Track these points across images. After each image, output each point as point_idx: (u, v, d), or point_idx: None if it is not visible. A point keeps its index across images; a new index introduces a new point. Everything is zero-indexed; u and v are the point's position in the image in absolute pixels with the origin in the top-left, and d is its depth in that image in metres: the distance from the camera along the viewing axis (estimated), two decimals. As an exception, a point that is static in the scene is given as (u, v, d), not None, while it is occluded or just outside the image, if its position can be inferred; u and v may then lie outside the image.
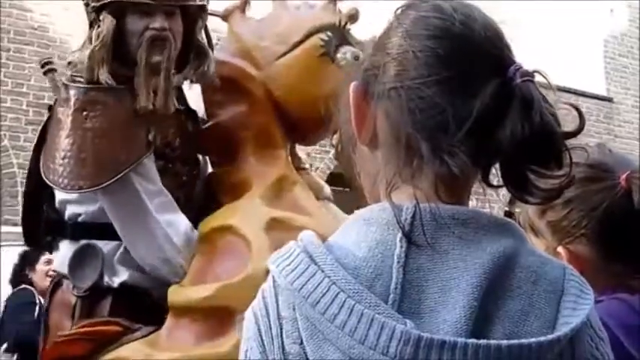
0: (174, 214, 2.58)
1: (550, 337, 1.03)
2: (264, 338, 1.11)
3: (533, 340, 1.01)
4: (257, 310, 1.14)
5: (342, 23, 2.39)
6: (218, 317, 2.25)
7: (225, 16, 2.54)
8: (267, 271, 2.04)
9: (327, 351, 1.04)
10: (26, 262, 6.38)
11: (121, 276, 2.59)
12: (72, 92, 2.56)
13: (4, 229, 8.82)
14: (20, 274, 6.41)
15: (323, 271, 1.06)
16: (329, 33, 2.38)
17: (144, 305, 2.53)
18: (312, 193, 2.40)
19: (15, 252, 8.11)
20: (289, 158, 2.45)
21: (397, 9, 1.18)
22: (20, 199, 9.08)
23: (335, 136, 1.30)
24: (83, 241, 2.63)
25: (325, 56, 2.37)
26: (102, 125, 2.50)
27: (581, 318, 1.06)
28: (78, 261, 2.62)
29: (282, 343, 1.09)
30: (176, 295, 2.35)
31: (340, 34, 2.38)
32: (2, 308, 6.29)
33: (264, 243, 2.23)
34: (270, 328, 1.11)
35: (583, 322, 1.06)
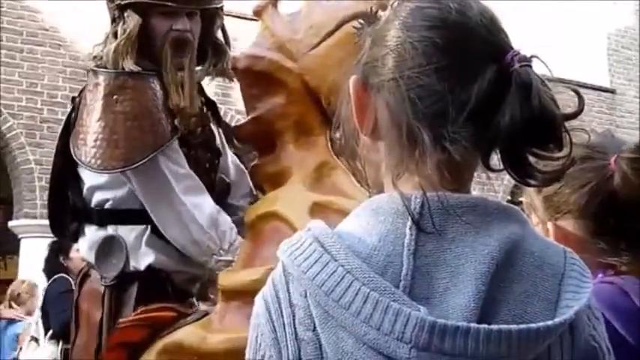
0: (200, 197, 2.63)
1: (556, 321, 1.02)
2: (275, 325, 1.11)
3: (541, 324, 1.01)
4: (268, 297, 1.15)
5: (375, 10, 2.39)
6: None
7: (257, 12, 2.49)
8: None
9: (341, 337, 1.03)
10: (60, 251, 6.35)
11: (148, 259, 2.63)
12: (101, 78, 2.60)
13: (24, 221, 8.82)
14: (55, 263, 6.42)
15: (336, 260, 1.05)
16: (361, 21, 2.39)
17: (166, 291, 2.58)
18: (351, 176, 2.24)
19: (34, 243, 8.20)
20: (328, 144, 2.37)
21: (394, 2, 1.20)
22: (38, 193, 9.18)
23: (334, 130, 1.27)
24: (109, 229, 2.67)
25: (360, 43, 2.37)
26: (133, 109, 2.55)
27: (583, 301, 1.06)
28: (103, 252, 2.66)
29: (295, 330, 1.09)
30: (226, 279, 2.34)
31: (372, 21, 2.39)
32: (42, 297, 6.33)
33: None
34: (282, 316, 1.10)
35: (584, 306, 1.06)
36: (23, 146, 9.39)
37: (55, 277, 6.26)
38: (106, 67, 2.62)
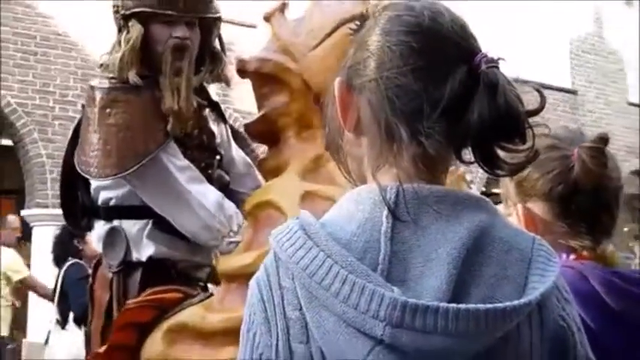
0: (203, 185, 2.62)
1: (522, 301, 1.03)
2: (266, 305, 1.13)
3: (507, 303, 1.01)
4: (260, 280, 1.16)
5: (371, 12, 2.39)
6: None
7: (266, 18, 2.48)
8: None
9: (324, 316, 1.04)
10: (74, 236, 6.25)
11: (148, 250, 2.63)
12: (97, 93, 2.60)
13: (36, 211, 8.86)
14: (66, 247, 6.37)
15: (318, 246, 1.06)
16: (357, 22, 2.39)
17: (170, 276, 2.57)
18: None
19: (45, 231, 8.21)
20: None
21: (374, 12, 1.22)
22: (49, 184, 9.22)
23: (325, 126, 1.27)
24: (115, 222, 2.68)
25: None
26: (124, 121, 2.54)
27: (548, 284, 1.06)
28: (109, 243, 2.68)
29: (284, 309, 1.10)
30: (225, 264, 2.34)
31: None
32: (60, 282, 6.23)
33: (297, 213, 2.23)
34: (273, 297, 1.12)
35: (551, 288, 1.07)
36: (36, 141, 9.36)
37: (70, 263, 6.22)
38: (112, 75, 2.61)
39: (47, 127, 9.39)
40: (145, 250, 2.65)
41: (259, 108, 2.48)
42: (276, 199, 2.32)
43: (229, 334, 2.19)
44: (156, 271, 2.60)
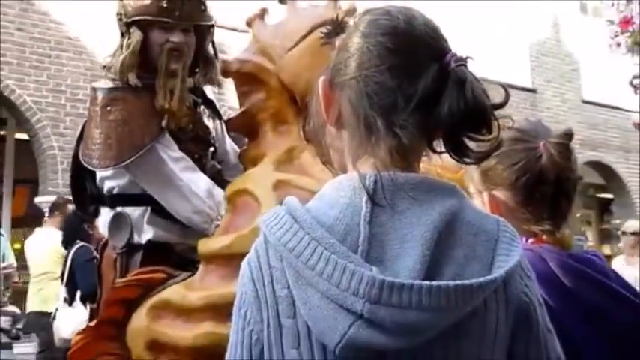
0: (195, 174, 2.60)
1: (488, 277, 1.03)
2: (256, 284, 1.11)
3: (474, 280, 1.02)
4: (251, 261, 1.14)
5: (340, 17, 2.24)
6: (235, 262, 2.14)
7: (248, 23, 2.48)
8: None
9: (309, 293, 1.04)
10: (84, 220, 6.03)
11: (148, 234, 2.62)
12: (98, 93, 2.60)
13: (48, 198, 8.75)
14: (78, 232, 6.24)
15: (304, 229, 1.06)
16: (328, 27, 2.34)
17: (168, 257, 2.54)
18: (317, 159, 2.34)
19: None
20: (300, 132, 2.29)
21: (355, 16, 1.21)
22: (60, 174, 9.18)
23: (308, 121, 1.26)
24: (118, 209, 2.67)
25: (326, 45, 2.31)
26: (123, 117, 2.54)
27: (512, 262, 1.07)
28: (114, 226, 2.67)
29: (273, 288, 1.09)
30: (204, 246, 2.33)
31: (339, 26, 2.32)
32: (68, 263, 6.15)
33: (271, 200, 2.19)
34: (262, 276, 1.10)
35: (514, 265, 1.07)
36: (49, 135, 9.27)
37: (78, 245, 6.14)
38: (114, 78, 2.61)
39: (59, 123, 9.32)
40: (145, 234, 2.64)
41: (240, 105, 2.48)
42: (251, 188, 2.32)
43: (207, 310, 2.23)
44: (155, 252, 2.60)
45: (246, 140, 2.53)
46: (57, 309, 6.10)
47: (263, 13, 2.49)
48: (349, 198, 1.09)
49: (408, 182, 1.09)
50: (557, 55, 14.42)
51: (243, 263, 1.16)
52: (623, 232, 8.03)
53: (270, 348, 1.10)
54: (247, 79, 2.44)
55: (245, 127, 2.49)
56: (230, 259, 2.21)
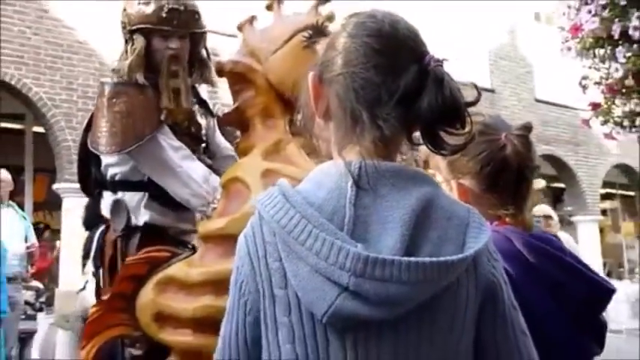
0: (193, 162, 2.60)
1: (460, 256, 1.03)
2: (252, 257, 1.10)
3: (447, 258, 1.02)
4: (248, 236, 1.13)
5: (320, 22, 2.32)
6: (229, 242, 2.18)
7: (239, 28, 2.49)
8: None
9: (299, 266, 1.03)
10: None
11: (144, 217, 2.64)
12: (105, 87, 2.62)
13: (64, 185, 8.80)
14: (93, 214, 6.23)
15: (295, 208, 1.05)
16: (309, 31, 2.31)
17: (163, 240, 2.55)
18: (303, 151, 2.32)
19: (72, 201, 8.14)
20: (287, 127, 2.38)
21: (343, 19, 1.18)
22: (75, 164, 9.08)
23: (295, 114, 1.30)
24: (119, 194, 2.68)
25: (307, 48, 2.30)
26: (127, 108, 2.55)
27: (481, 243, 1.07)
28: (114, 212, 2.69)
29: (267, 261, 1.08)
30: (202, 227, 2.34)
31: (319, 31, 2.32)
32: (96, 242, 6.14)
33: (259, 187, 2.20)
34: (257, 251, 1.09)
35: (483, 247, 1.07)
36: (63, 129, 9.21)
37: (93, 230, 6.07)
38: (122, 77, 2.62)
39: (72, 118, 9.26)
40: (142, 217, 2.65)
41: (233, 102, 2.49)
42: (242, 176, 2.32)
43: (206, 285, 2.23)
44: (151, 234, 2.60)
45: (238, 133, 2.52)
46: (87, 281, 6.09)
47: (252, 19, 2.49)
48: (335, 182, 1.08)
49: (389, 170, 1.08)
50: (513, 59, 14.47)
51: (240, 238, 1.15)
52: (535, 216, 7.96)
53: (265, 316, 1.09)
54: (239, 78, 2.44)
55: (237, 122, 2.48)
56: (225, 239, 2.22)
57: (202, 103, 2.91)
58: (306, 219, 1.03)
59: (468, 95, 1.12)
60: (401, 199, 1.06)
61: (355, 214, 1.05)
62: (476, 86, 1.16)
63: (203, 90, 2.97)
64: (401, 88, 1.06)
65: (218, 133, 2.96)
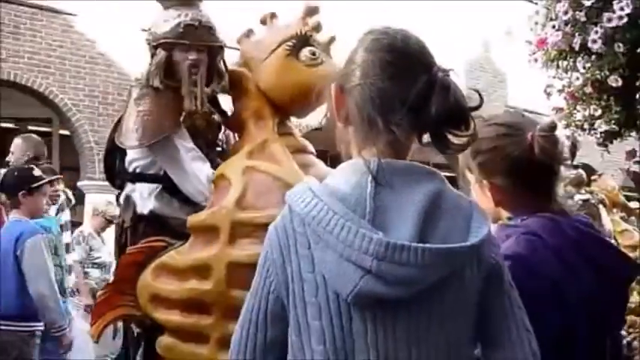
0: (201, 163, 2.60)
1: (467, 243, 1.06)
2: (281, 245, 1.12)
3: (456, 244, 1.05)
4: (278, 227, 1.14)
5: (304, 32, 2.32)
6: (209, 232, 2.25)
7: (238, 41, 2.52)
8: (236, 201, 1.99)
9: (327, 252, 1.05)
10: None
11: (150, 206, 2.64)
12: (133, 90, 2.67)
13: (87, 182, 8.82)
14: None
15: (322, 201, 1.06)
16: (294, 40, 2.31)
17: (163, 231, 2.54)
18: (287, 149, 2.31)
19: (93, 196, 8.12)
20: (275, 127, 2.37)
21: (360, 37, 1.19)
22: (96, 164, 9.02)
23: (322, 120, 1.30)
24: (137, 186, 2.69)
25: (290, 56, 2.30)
26: (149, 108, 2.58)
27: (484, 233, 1.09)
28: (125, 205, 2.73)
29: (297, 248, 1.09)
30: (190, 219, 2.34)
31: (304, 40, 2.32)
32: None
33: (238, 183, 2.22)
34: (288, 239, 1.11)
35: (486, 235, 1.09)
36: (86, 132, 9.24)
37: None
38: (144, 83, 2.66)
39: (94, 122, 9.27)
40: (148, 206, 2.66)
41: (232, 107, 2.50)
42: (226, 172, 2.33)
43: (192, 271, 2.26)
44: (154, 225, 2.62)
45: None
46: None
47: (249, 32, 2.51)
48: (357, 178, 1.09)
49: (402, 167, 1.10)
50: (487, 70, 14.48)
51: (270, 228, 1.16)
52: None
53: (294, 297, 1.10)
54: (235, 85, 2.46)
55: (234, 125, 2.50)
56: (206, 230, 2.26)
57: (223, 114, 2.89)
58: (333, 211, 1.05)
59: (472, 101, 1.14)
60: (414, 193, 1.07)
61: (375, 205, 1.06)
62: (479, 92, 1.17)
63: (225, 103, 2.94)
64: (412, 97, 1.07)
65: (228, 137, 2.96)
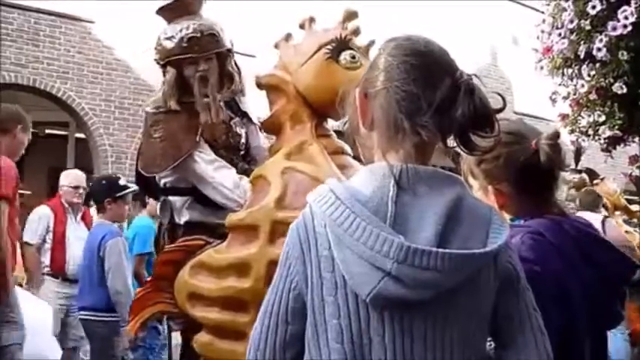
0: (226, 171, 2.64)
1: (486, 249, 1.05)
2: (302, 244, 1.10)
3: (475, 250, 1.03)
4: (299, 226, 1.13)
5: (344, 36, 2.30)
6: (248, 231, 2.25)
7: (276, 45, 2.48)
8: (276, 201, 2.03)
9: (347, 254, 1.03)
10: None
11: (186, 216, 2.72)
12: (147, 117, 2.72)
13: None
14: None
15: (344, 204, 1.05)
16: (333, 44, 2.30)
17: (202, 231, 2.57)
18: (325, 151, 2.31)
19: None
20: (313, 129, 2.36)
21: (382, 43, 1.18)
22: (110, 165, 9.07)
23: (345, 124, 1.31)
24: (169, 197, 2.78)
25: (330, 59, 2.29)
26: (163, 135, 2.64)
27: (502, 240, 1.07)
28: (161, 209, 2.81)
29: (317, 249, 1.08)
30: (228, 219, 2.35)
31: (343, 44, 2.30)
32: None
33: (278, 183, 2.22)
34: (308, 239, 1.10)
35: (503, 242, 1.08)
36: (101, 135, 9.24)
37: None
38: (159, 106, 2.69)
39: (109, 125, 9.29)
40: (184, 217, 2.73)
41: (270, 109, 2.48)
42: (265, 174, 2.33)
43: (229, 269, 2.26)
44: (192, 230, 2.65)
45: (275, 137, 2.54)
46: None
47: (288, 37, 2.50)
48: (380, 182, 1.08)
49: (426, 173, 1.08)
50: (494, 77, 14.47)
51: (291, 227, 1.15)
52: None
53: (313, 296, 1.09)
54: (273, 89, 2.44)
55: (272, 127, 2.48)
56: (245, 229, 2.26)
57: (243, 114, 2.92)
58: (355, 213, 1.03)
59: (496, 103, 1.13)
60: (435, 198, 1.06)
61: (396, 209, 1.05)
62: (502, 96, 1.17)
63: (244, 103, 2.98)
64: (437, 99, 1.06)
65: (261, 137, 2.98)
